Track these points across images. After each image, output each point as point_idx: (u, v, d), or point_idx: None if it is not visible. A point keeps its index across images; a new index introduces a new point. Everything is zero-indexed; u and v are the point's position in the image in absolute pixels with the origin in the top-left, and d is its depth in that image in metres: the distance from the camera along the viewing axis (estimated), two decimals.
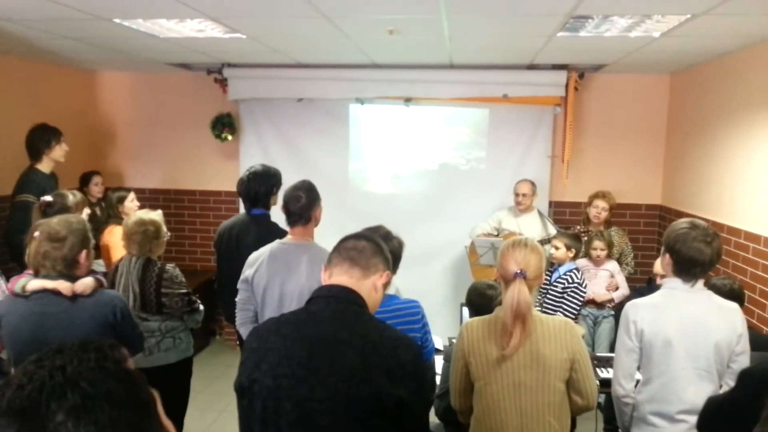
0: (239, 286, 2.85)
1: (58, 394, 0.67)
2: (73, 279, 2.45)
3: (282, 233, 3.10)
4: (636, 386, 2.44)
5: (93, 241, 2.61)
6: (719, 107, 4.27)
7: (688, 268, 2.31)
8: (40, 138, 4.12)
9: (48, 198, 3.42)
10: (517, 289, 2.12)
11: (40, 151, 4.12)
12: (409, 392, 1.51)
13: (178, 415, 3.26)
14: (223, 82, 5.37)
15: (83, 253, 2.48)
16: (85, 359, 0.73)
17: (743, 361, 2.31)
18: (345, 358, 1.49)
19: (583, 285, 3.88)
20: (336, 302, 1.60)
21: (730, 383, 2.26)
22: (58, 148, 4.17)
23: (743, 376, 1.76)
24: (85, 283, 2.45)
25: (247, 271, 2.82)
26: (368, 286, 1.66)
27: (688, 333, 2.29)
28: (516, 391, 2.16)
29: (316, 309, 1.61)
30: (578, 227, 4.79)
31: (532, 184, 4.81)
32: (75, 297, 2.42)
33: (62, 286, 2.40)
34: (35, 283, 2.42)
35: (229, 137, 5.45)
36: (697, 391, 2.28)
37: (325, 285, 1.67)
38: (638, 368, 2.43)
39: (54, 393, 0.67)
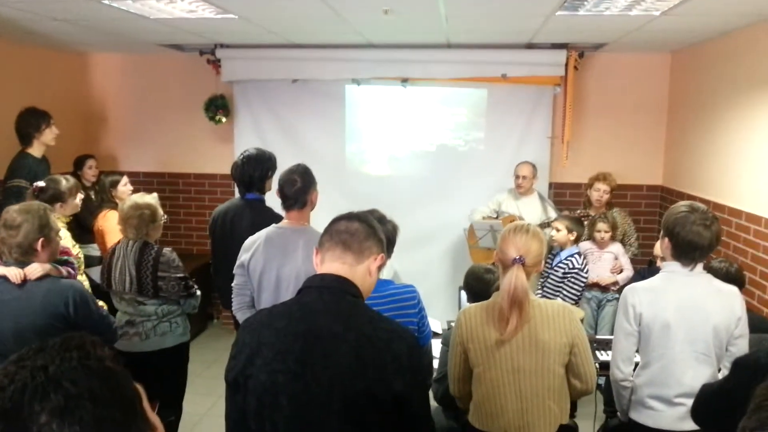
0: (235, 271, 2.83)
1: (41, 395, 0.66)
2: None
3: (277, 218, 3.06)
4: (634, 370, 2.43)
5: (56, 228, 2.56)
6: (721, 86, 4.21)
7: (687, 251, 2.29)
8: (29, 122, 4.07)
9: (41, 183, 3.39)
10: (514, 275, 2.11)
11: (30, 135, 4.07)
12: (405, 385, 1.47)
13: (176, 398, 3.26)
14: (216, 63, 5.29)
15: (40, 241, 2.44)
16: (67, 358, 0.71)
17: (742, 345, 2.30)
18: (339, 352, 1.46)
19: (584, 270, 3.85)
20: (329, 293, 1.55)
21: (728, 366, 2.25)
22: (48, 131, 4.12)
23: (736, 366, 1.75)
24: (35, 267, 2.41)
25: (243, 256, 2.79)
26: (362, 271, 1.61)
27: (686, 316, 2.27)
28: (515, 376, 2.16)
29: (309, 300, 1.55)
30: (579, 210, 4.76)
31: (533, 166, 4.76)
32: (25, 284, 2.38)
33: (11, 272, 2.37)
34: None
35: (223, 119, 5.39)
36: (695, 374, 2.27)
37: (318, 274, 1.61)
38: (637, 352, 2.42)
39: (36, 394, 0.66)
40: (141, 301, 3.01)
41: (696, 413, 2.01)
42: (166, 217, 3.22)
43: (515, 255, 2.14)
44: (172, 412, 3.15)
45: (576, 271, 3.82)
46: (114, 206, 4.08)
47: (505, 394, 2.17)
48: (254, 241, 2.78)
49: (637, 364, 2.44)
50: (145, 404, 0.78)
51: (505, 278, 2.13)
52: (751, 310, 3.48)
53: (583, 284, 3.85)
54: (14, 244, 2.40)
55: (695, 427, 2.15)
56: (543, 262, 2.25)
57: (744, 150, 3.88)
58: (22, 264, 2.41)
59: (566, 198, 5.37)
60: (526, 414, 2.16)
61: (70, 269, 2.67)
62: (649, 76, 5.19)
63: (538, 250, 2.18)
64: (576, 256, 3.88)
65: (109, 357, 0.77)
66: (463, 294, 3.18)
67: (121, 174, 4.39)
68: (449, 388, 2.39)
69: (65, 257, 2.74)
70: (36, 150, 4.11)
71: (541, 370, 2.15)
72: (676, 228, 2.30)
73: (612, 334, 2.51)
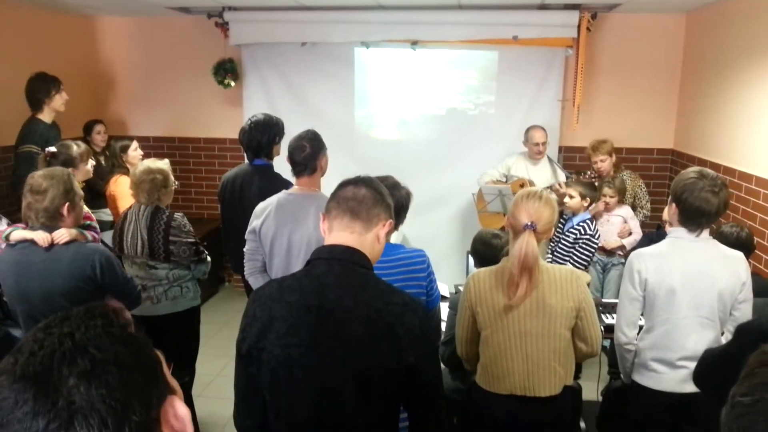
0: (247, 236, 2.86)
1: (69, 360, 0.70)
2: (54, 230, 2.47)
3: (285, 184, 3.08)
4: (638, 333, 2.47)
5: (80, 194, 2.61)
6: (736, 48, 4.13)
7: (694, 217, 2.29)
8: (40, 88, 4.08)
9: (52, 148, 3.42)
10: (525, 241, 2.12)
11: (40, 101, 4.09)
12: (418, 357, 1.48)
13: (189, 360, 3.34)
14: (224, 27, 5.24)
15: (66, 206, 2.49)
16: (91, 326, 0.75)
17: (745, 309, 2.32)
18: (351, 326, 1.46)
19: (596, 236, 3.84)
20: (339, 265, 1.53)
21: (731, 330, 2.28)
22: (58, 97, 4.13)
23: (739, 331, 1.77)
24: (62, 233, 2.47)
25: (254, 222, 2.82)
26: (371, 238, 1.59)
27: (691, 282, 2.29)
28: (522, 339, 2.19)
29: (319, 273, 1.53)
30: (589, 173, 4.73)
31: (545, 130, 4.72)
32: (52, 248, 2.45)
33: (39, 236, 2.43)
34: (17, 234, 2.48)
35: (232, 83, 5.37)
36: (698, 338, 2.31)
37: (327, 245, 1.59)
38: (641, 316, 2.45)
39: (65, 359, 0.70)
40: (152, 265, 3.06)
41: (698, 378, 2.04)
42: (177, 183, 3.25)
43: (527, 221, 2.15)
44: (185, 373, 3.24)
45: (588, 236, 3.81)
46: (125, 171, 4.12)
47: (512, 356, 2.22)
48: (265, 207, 2.81)
49: (641, 328, 2.48)
50: (165, 369, 0.82)
51: (516, 244, 2.15)
52: (758, 275, 3.50)
53: (594, 250, 3.85)
54: (41, 208, 2.45)
55: (696, 389, 2.19)
56: (554, 228, 2.27)
57: (757, 114, 3.82)
58: (48, 228, 2.46)
59: (576, 162, 5.34)
60: (532, 376, 2.21)
61: (94, 233, 2.72)
62: (663, 38, 5.09)
63: (550, 216, 2.20)
64: (588, 221, 3.86)
65: (130, 324, 0.80)
66: (471, 258, 3.21)
67: (131, 139, 4.41)
68: (456, 350, 2.44)
69: (88, 222, 2.79)
70: (46, 116, 4.13)
71: (547, 333, 2.18)
72: (684, 194, 2.30)
73: (617, 297, 2.53)
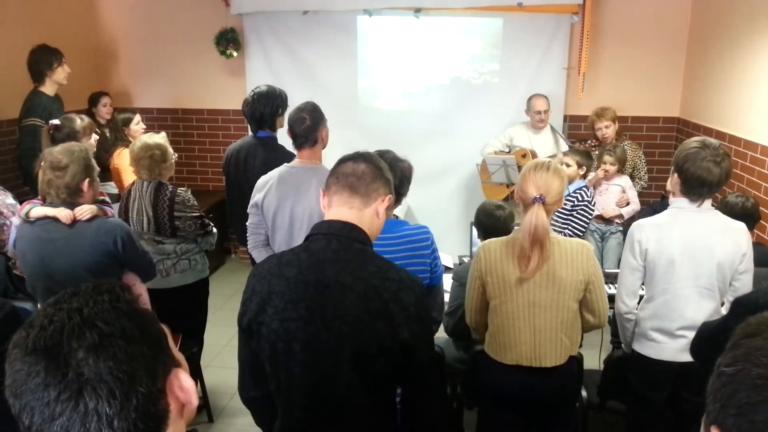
0: (249, 210, 2.88)
1: (78, 334, 0.73)
2: (75, 207, 2.50)
3: (289, 156, 3.09)
4: (639, 303, 2.49)
5: (98, 169, 2.64)
6: (743, 16, 4.05)
7: (695, 187, 2.30)
8: (41, 60, 4.06)
9: (56, 121, 3.42)
10: (535, 214, 2.12)
11: (42, 73, 4.07)
12: (413, 334, 1.50)
13: (198, 331, 3.41)
14: None
15: (86, 181, 2.51)
16: (99, 301, 0.78)
17: (746, 280, 2.34)
18: (348, 302, 1.48)
19: (592, 203, 3.86)
20: (337, 241, 1.54)
21: (731, 300, 2.30)
22: (60, 69, 4.12)
23: (736, 304, 1.79)
24: (84, 209, 2.50)
25: (256, 196, 2.84)
26: (370, 214, 1.60)
27: (691, 252, 2.31)
28: (531, 309, 2.22)
29: (318, 248, 1.55)
30: (590, 141, 4.71)
31: (547, 99, 4.69)
32: (75, 224, 2.48)
33: (62, 213, 2.45)
34: (38, 210, 2.50)
35: (234, 53, 5.33)
36: (697, 308, 2.33)
37: (326, 220, 1.60)
38: (642, 285, 2.47)
39: (74, 333, 0.73)
40: (159, 240, 3.09)
41: (695, 350, 2.07)
42: (176, 155, 3.25)
43: (536, 194, 2.15)
44: (194, 343, 3.31)
45: (584, 203, 3.83)
46: (127, 144, 4.12)
47: (520, 326, 2.24)
48: (267, 181, 2.82)
49: (641, 298, 2.50)
50: (171, 342, 0.85)
51: (526, 217, 2.15)
52: (762, 244, 3.50)
53: (590, 217, 3.87)
54: (62, 185, 2.46)
55: None
56: (562, 199, 2.27)
57: (763, 82, 3.77)
58: (69, 204, 2.49)
59: (581, 131, 5.30)
60: (539, 346, 2.24)
61: (109, 208, 2.75)
62: (670, 4, 5.00)
63: (559, 187, 2.19)
64: (584, 189, 3.87)
65: (136, 300, 0.83)
66: (475, 230, 3.23)
67: (134, 111, 4.40)
68: (466, 318, 2.46)
69: (101, 197, 2.82)
70: (49, 88, 4.12)
71: (556, 305, 2.20)
72: (686, 164, 2.29)
73: (616, 266, 2.55)
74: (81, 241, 2.48)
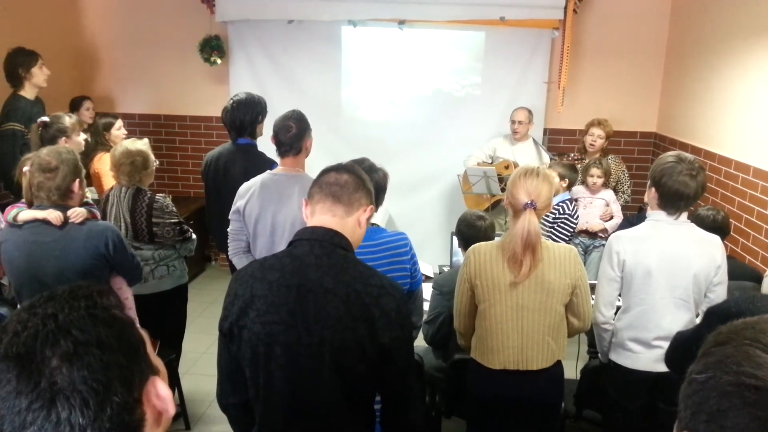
0: (231, 216, 2.88)
1: (51, 342, 0.71)
2: (65, 209, 2.47)
3: (269, 163, 3.09)
4: (616, 314, 2.53)
5: (84, 170, 2.62)
6: (720, 32, 4.17)
7: (672, 201, 2.34)
8: (18, 62, 3.99)
9: (45, 118, 3.38)
10: (527, 220, 2.16)
11: (19, 76, 4.01)
12: (393, 339, 1.52)
13: (176, 339, 3.37)
14: (210, 2, 5.18)
15: (76, 183, 2.49)
16: (75, 307, 0.76)
17: (720, 291, 2.39)
18: (330, 306, 1.50)
19: (575, 216, 3.91)
20: (320, 246, 1.56)
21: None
22: (38, 72, 4.05)
23: (708, 314, 1.83)
24: (77, 212, 2.48)
25: (238, 202, 2.83)
26: (352, 223, 1.63)
27: (668, 264, 2.35)
28: (519, 313, 2.24)
29: (301, 254, 1.56)
30: (572, 155, 4.78)
31: (529, 111, 4.75)
32: (65, 226, 2.45)
33: (52, 215, 2.42)
34: (26, 214, 2.46)
35: (218, 61, 5.32)
36: (673, 318, 2.37)
37: (308, 227, 1.62)
38: (619, 296, 2.51)
39: (48, 340, 0.71)
40: (137, 246, 3.06)
41: (669, 359, 2.10)
42: (157, 162, 3.23)
43: (526, 200, 2.17)
44: (172, 351, 3.27)
45: (566, 216, 3.88)
46: (108, 149, 4.07)
47: (507, 330, 2.26)
48: (249, 188, 2.82)
49: (618, 309, 2.54)
50: (149, 349, 0.83)
51: (518, 223, 2.17)
52: (734, 258, 3.58)
53: (572, 230, 3.92)
54: (53, 187, 2.43)
55: None
56: (551, 204, 2.30)
57: (737, 99, 3.88)
58: (59, 207, 2.45)
59: (560, 144, 5.38)
60: (526, 349, 2.26)
61: (95, 211, 2.72)
62: (649, 21, 5.11)
63: (548, 193, 2.23)
64: (567, 202, 3.93)
65: (115, 305, 0.81)
66: (455, 239, 3.25)
67: (116, 117, 4.37)
68: (454, 323, 2.47)
69: (85, 199, 2.79)
70: (28, 92, 4.07)
71: (544, 308, 2.23)
72: (663, 178, 2.34)
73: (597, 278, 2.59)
74: (72, 243, 2.45)
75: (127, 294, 2.76)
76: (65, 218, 2.45)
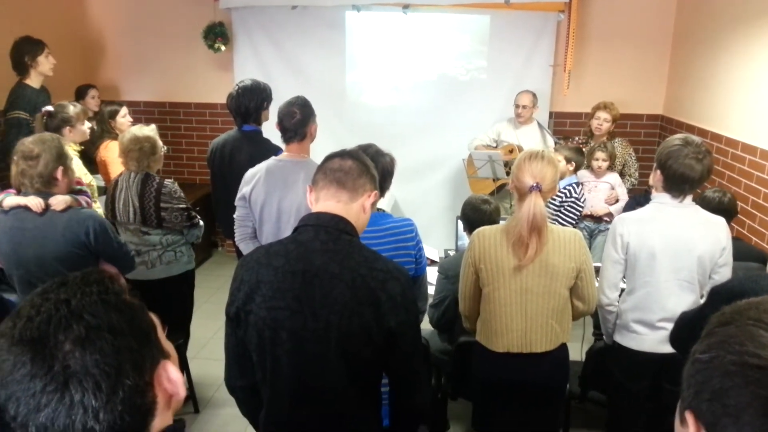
0: (237, 203, 2.89)
1: (64, 326, 0.73)
2: (48, 196, 2.49)
3: (275, 149, 3.10)
4: (620, 296, 2.54)
5: (71, 158, 2.63)
6: (726, 14, 4.12)
7: (678, 184, 2.34)
8: (24, 51, 4.01)
9: (49, 108, 3.40)
10: (533, 203, 2.16)
11: (25, 64, 4.03)
12: (399, 323, 1.53)
13: (183, 323, 3.41)
14: None
15: (59, 170, 2.50)
16: (87, 292, 0.78)
17: (725, 273, 2.39)
18: (336, 291, 1.51)
19: (581, 200, 3.90)
20: (325, 232, 1.57)
21: None
22: (44, 61, 4.07)
23: (712, 294, 1.83)
24: (59, 200, 2.49)
25: (244, 189, 2.84)
26: (356, 208, 1.63)
27: (672, 246, 2.35)
28: (523, 296, 2.25)
29: (306, 239, 1.57)
30: (577, 138, 4.76)
31: (533, 95, 4.72)
32: (45, 213, 2.47)
33: (32, 202, 2.45)
34: (11, 200, 2.50)
35: (222, 47, 5.31)
36: (678, 300, 2.38)
37: (313, 212, 1.62)
38: (623, 279, 2.52)
39: (60, 325, 0.73)
40: (145, 231, 3.09)
41: (674, 339, 2.11)
42: (165, 148, 3.25)
43: (532, 183, 2.17)
44: (180, 335, 3.31)
45: (573, 200, 3.88)
46: (114, 137, 4.10)
47: (511, 313, 2.27)
48: (255, 174, 2.83)
49: (623, 291, 2.54)
50: (160, 334, 0.85)
51: (524, 206, 2.18)
52: (740, 239, 3.58)
53: (579, 213, 3.91)
54: (35, 174, 2.45)
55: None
56: (556, 187, 2.31)
57: (744, 81, 3.84)
58: (43, 194, 2.48)
59: (566, 128, 5.36)
60: (530, 332, 2.27)
61: (86, 198, 2.74)
62: (655, 3, 5.06)
63: (553, 175, 2.23)
64: (574, 185, 3.92)
65: (125, 291, 0.83)
66: (461, 224, 3.26)
67: (121, 104, 4.38)
68: (459, 307, 2.49)
69: (78, 187, 2.80)
70: (34, 80, 4.08)
71: (548, 291, 2.24)
72: (669, 160, 2.33)
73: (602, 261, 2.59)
74: (51, 231, 2.47)
75: (120, 282, 2.77)
76: (46, 205, 2.47)
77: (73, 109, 3.42)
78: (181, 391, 0.82)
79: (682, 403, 0.79)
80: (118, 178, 3.16)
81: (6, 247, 2.52)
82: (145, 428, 0.78)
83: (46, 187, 2.49)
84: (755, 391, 0.67)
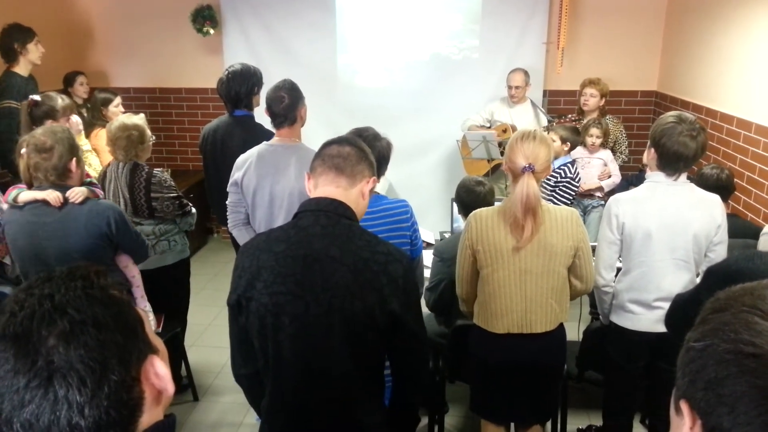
0: (229, 189, 2.87)
1: (48, 321, 0.72)
2: (65, 189, 2.46)
3: (267, 134, 3.07)
4: (616, 276, 2.53)
5: (82, 149, 2.59)
6: None
7: (672, 162, 2.32)
8: (13, 38, 3.96)
9: (36, 97, 3.33)
10: (526, 183, 2.15)
11: (14, 52, 3.98)
12: (401, 305, 1.54)
13: (181, 312, 3.40)
14: None
15: (73, 161, 2.47)
16: (71, 287, 0.76)
17: (720, 251, 2.38)
18: (338, 275, 1.51)
19: (576, 179, 3.89)
20: (326, 216, 1.57)
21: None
22: (33, 49, 4.02)
23: (708, 273, 1.83)
24: (77, 192, 2.46)
25: (236, 174, 2.82)
26: (355, 194, 1.63)
27: (667, 225, 2.34)
28: (522, 277, 2.24)
29: (306, 224, 1.57)
30: (571, 116, 4.73)
31: (525, 73, 4.68)
32: (65, 206, 2.44)
33: (51, 195, 2.41)
34: (26, 195, 2.45)
35: (211, 31, 5.24)
36: (674, 279, 2.38)
37: (313, 198, 1.62)
38: (619, 259, 2.51)
39: (44, 320, 0.72)
40: (137, 221, 3.06)
41: (669, 320, 2.11)
42: (154, 137, 3.21)
43: (524, 163, 2.16)
44: (177, 323, 3.30)
45: (568, 179, 3.86)
46: (104, 125, 4.05)
47: (511, 294, 2.27)
48: (246, 159, 2.80)
49: (618, 271, 2.54)
50: (148, 329, 0.83)
51: (517, 187, 2.17)
52: (736, 215, 3.57)
53: (573, 193, 3.90)
54: (50, 167, 2.41)
55: None
56: (550, 167, 2.30)
57: (738, 56, 3.81)
58: (58, 187, 2.44)
59: (560, 106, 5.32)
60: (530, 313, 2.27)
61: (97, 189, 2.71)
62: None
63: (546, 155, 2.21)
64: (569, 165, 3.90)
65: (112, 286, 0.81)
66: (456, 206, 3.24)
67: (115, 93, 4.33)
68: (456, 290, 2.48)
69: (88, 179, 2.77)
70: (23, 68, 4.03)
71: (547, 271, 2.24)
72: (663, 138, 2.32)
73: (597, 241, 2.59)
74: (73, 224, 2.44)
75: (134, 272, 2.77)
76: (65, 198, 2.44)
77: (60, 102, 3.35)
78: (170, 387, 0.81)
79: (676, 392, 0.78)
80: (106, 169, 3.12)
81: (23, 243, 2.47)
82: (132, 424, 0.77)
83: (60, 179, 2.45)
84: (751, 381, 0.66)
